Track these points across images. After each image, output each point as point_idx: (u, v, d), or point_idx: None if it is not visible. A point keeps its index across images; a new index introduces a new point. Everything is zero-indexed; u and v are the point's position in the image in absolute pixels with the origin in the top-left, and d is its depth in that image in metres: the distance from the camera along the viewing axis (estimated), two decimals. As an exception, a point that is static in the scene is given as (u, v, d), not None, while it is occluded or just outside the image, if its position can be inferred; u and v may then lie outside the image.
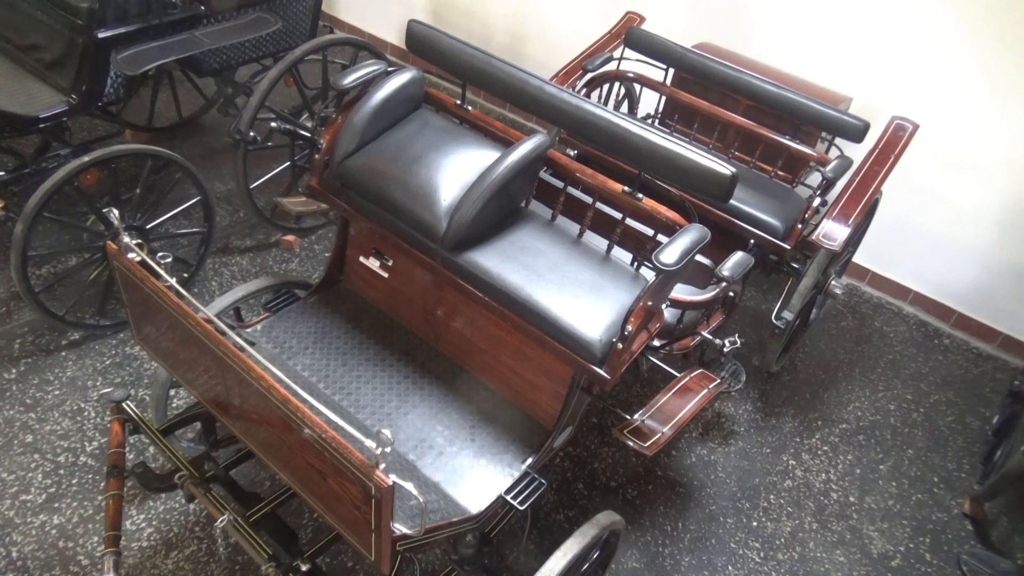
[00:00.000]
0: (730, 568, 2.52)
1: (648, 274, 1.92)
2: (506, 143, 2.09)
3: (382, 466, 1.27)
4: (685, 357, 2.50)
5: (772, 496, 2.78)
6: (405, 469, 1.80)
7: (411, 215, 1.92)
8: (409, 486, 1.28)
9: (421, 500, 1.30)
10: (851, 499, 2.82)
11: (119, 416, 1.98)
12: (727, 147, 3.05)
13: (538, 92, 1.92)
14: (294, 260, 3.42)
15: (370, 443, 1.25)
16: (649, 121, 3.33)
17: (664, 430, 1.91)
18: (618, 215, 2.01)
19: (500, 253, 1.89)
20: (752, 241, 2.69)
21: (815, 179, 3.02)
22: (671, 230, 1.81)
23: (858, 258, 3.82)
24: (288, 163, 3.22)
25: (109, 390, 1.96)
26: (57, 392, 2.69)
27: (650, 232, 1.91)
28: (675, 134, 3.18)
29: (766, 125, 2.91)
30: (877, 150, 2.75)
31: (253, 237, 3.49)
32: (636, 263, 1.95)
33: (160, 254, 1.62)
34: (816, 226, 2.62)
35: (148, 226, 2.82)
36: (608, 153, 1.86)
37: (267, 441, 1.53)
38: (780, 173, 2.99)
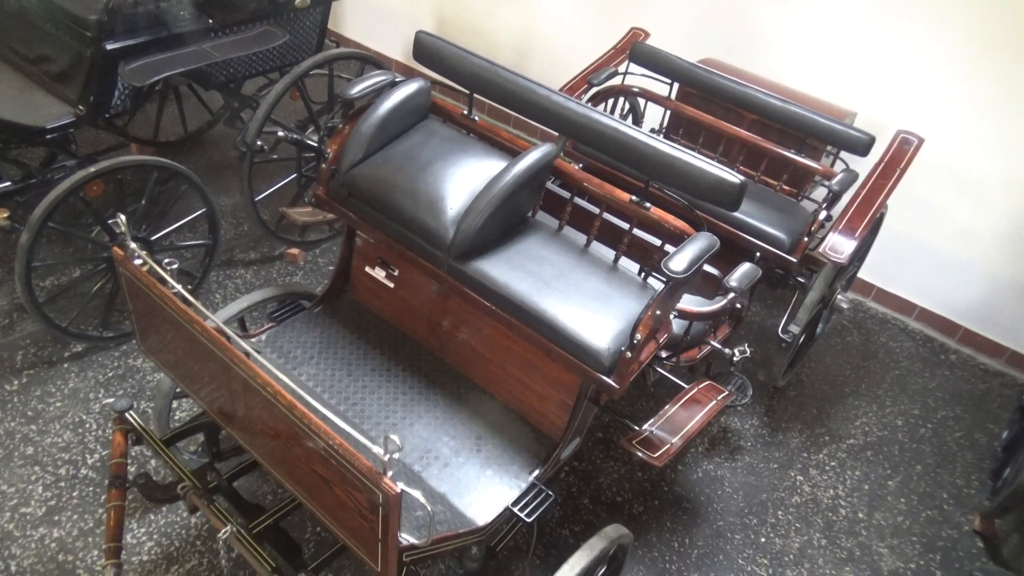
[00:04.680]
0: (738, 585, 2.49)
1: (656, 284, 1.91)
2: (513, 153, 2.08)
3: (390, 473, 1.25)
4: (691, 370, 2.49)
5: (780, 512, 2.75)
6: (411, 480, 1.78)
7: (418, 224, 1.92)
8: (416, 494, 1.26)
9: (429, 509, 1.28)
10: (860, 515, 2.79)
11: (122, 426, 1.97)
12: (732, 161, 3.05)
13: (545, 101, 1.93)
14: (298, 273, 3.41)
15: (378, 449, 1.24)
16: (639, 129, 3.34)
17: (673, 441, 1.89)
18: (625, 225, 2.00)
19: (507, 262, 1.88)
20: (758, 254, 2.69)
21: (820, 193, 3.02)
22: (679, 239, 1.80)
23: (863, 273, 3.81)
24: (294, 174, 3.22)
25: (112, 400, 1.94)
26: (59, 404, 2.67)
27: (657, 242, 1.90)
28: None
29: (771, 140, 2.92)
30: (883, 163, 2.75)
31: (257, 250, 3.48)
32: (644, 273, 1.94)
33: (166, 260, 1.61)
34: (822, 239, 2.61)
35: (153, 238, 2.82)
36: (615, 162, 1.85)
37: (272, 450, 1.51)
38: (785, 187, 2.99)
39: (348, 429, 1.28)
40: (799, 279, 2.97)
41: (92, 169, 2.51)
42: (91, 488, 2.44)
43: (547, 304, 1.78)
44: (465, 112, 2.18)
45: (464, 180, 1.95)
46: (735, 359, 1.85)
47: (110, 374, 2.80)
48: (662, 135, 3.33)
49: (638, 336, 1.65)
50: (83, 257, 3.08)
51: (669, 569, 2.50)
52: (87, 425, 2.61)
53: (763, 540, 2.64)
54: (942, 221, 3.51)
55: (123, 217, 1.61)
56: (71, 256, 3.16)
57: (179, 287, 1.54)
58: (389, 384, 2.01)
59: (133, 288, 1.62)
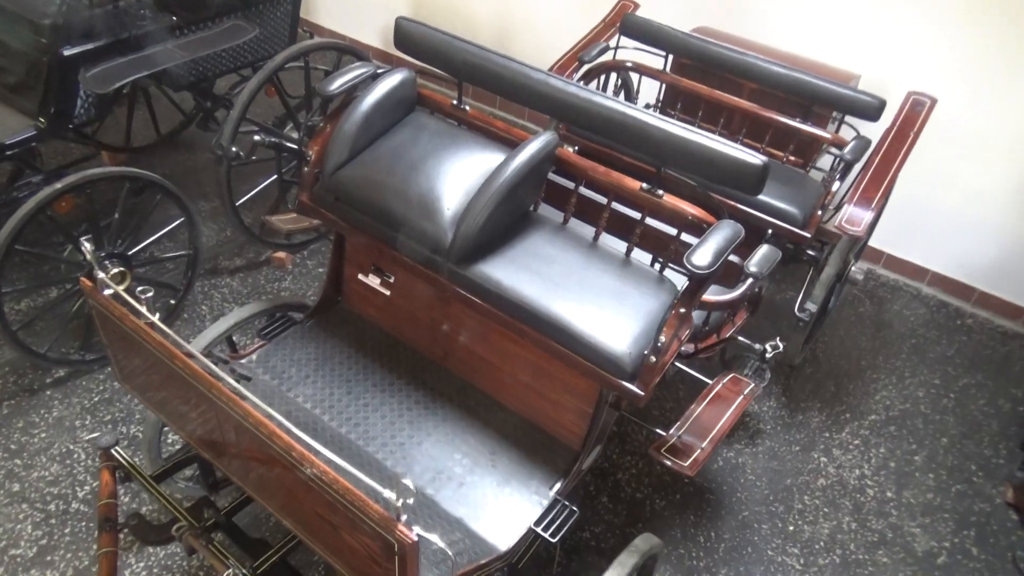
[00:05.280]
0: (769, 578, 2.38)
1: (673, 276, 1.77)
2: (509, 143, 1.94)
3: (404, 518, 1.12)
4: (708, 359, 2.36)
5: (806, 497, 2.64)
6: (424, 505, 1.65)
7: (412, 227, 1.77)
8: (434, 538, 1.14)
9: (451, 554, 1.15)
10: (888, 495, 2.68)
11: (108, 463, 1.83)
12: (734, 134, 2.90)
13: (543, 87, 1.78)
14: (287, 278, 3.26)
15: (389, 494, 1.10)
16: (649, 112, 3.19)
17: (703, 445, 1.76)
18: (635, 214, 1.86)
19: (511, 263, 1.74)
20: (770, 231, 2.55)
21: (826, 162, 2.88)
22: (698, 228, 1.67)
23: (872, 240, 3.68)
24: (275, 176, 3.06)
25: (96, 435, 1.80)
26: (43, 435, 2.52)
27: (672, 231, 1.76)
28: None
29: (773, 109, 2.77)
30: (895, 128, 2.61)
31: (243, 256, 3.33)
32: (660, 265, 1.80)
33: (140, 288, 1.47)
34: (836, 212, 2.48)
35: (131, 252, 2.66)
36: (614, 144, 1.71)
37: (272, 490, 1.38)
38: (792, 158, 2.85)
39: (354, 471, 1.14)
40: (810, 253, 2.84)
41: (58, 186, 2.35)
42: (83, 523, 2.30)
43: (559, 307, 1.64)
44: (455, 102, 2.03)
45: (459, 177, 1.80)
46: (767, 355, 1.73)
47: (96, 399, 2.65)
48: (658, 111, 3.18)
49: (662, 339, 1.52)
50: (58, 278, 2.91)
51: (697, 567, 2.39)
52: (75, 456, 2.47)
53: (791, 528, 2.54)
54: (952, 182, 3.38)
55: (88, 244, 1.46)
56: (45, 277, 2.99)
57: (153, 318, 1.40)
58: (392, 400, 1.88)
59: (106, 321, 1.47)
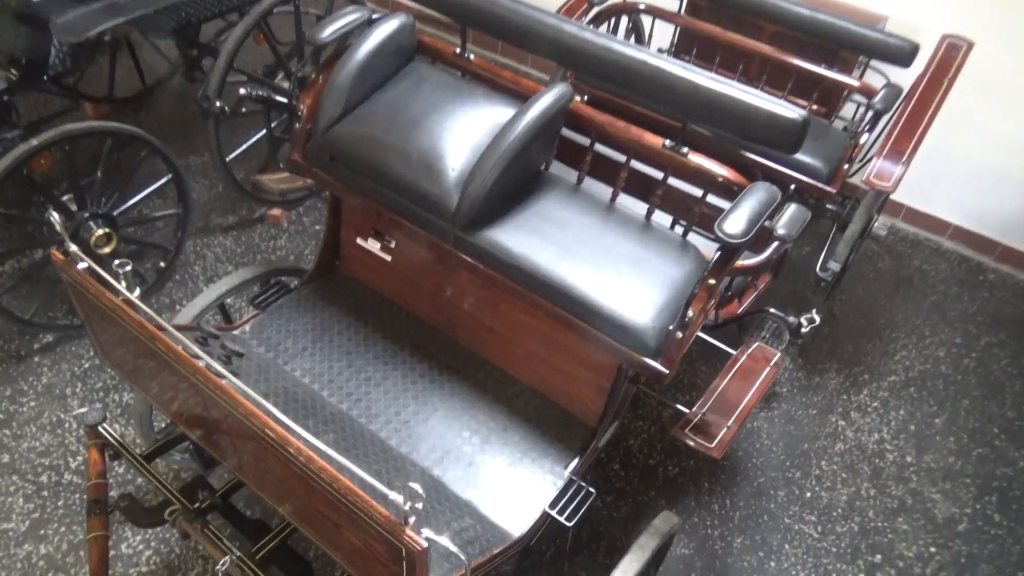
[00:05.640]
0: (786, 547, 2.32)
1: (698, 241, 1.64)
2: (518, 96, 1.78)
3: (412, 520, 1.01)
4: (724, 324, 2.24)
5: (824, 462, 2.56)
6: (432, 488, 1.55)
7: (415, 190, 1.63)
8: (445, 541, 1.03)
9: (464, 558, 1.05)
10: (908, 459, 2.60)
11: (96, 441, 1.73)
12: (753, 81, 2.72)
13: (555, 32, 1.61)
14: (282, 236, 3.12)
15: (396, 496, 1.00)
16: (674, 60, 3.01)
17: (728, 423, 1.66)
18: (655, 173, 1.72)
19: (522, 228, 1.61)
20: (792, 187, 2.40)
21: (848, 113, 2.71)
22: (726, 190, 1.52)
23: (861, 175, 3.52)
24: (264, 131, 2.88)
25: (83, 410, 1.69)
26: (33, 404, 2.43)
27: (697, 191, 1.62)
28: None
29: (794, 53, 2.58)
30: (928, 74, 2.44)
31: (236, 213, 3.18)
32: (683, 229, 1.66)
33: (117, 262, 1.34)
34: (863, 165, 2.33)
35: (116, 212, 2.52)
36: (640, 99, 1.56)
37: (267, 480, 1.27)
38: (815, 108, 2.68)
39: (357, 471, 1.03)
40: (830, 208, 2.69)
41: (34, 143, 2.20)
42: (77, 495, 2.22)
43: (575, 276, 1.52)
44: (458, 50, 1.86)
45: (465, 134, 1.65)
46: (803, 328, 1.60)
47: (86, 365, 2.54)
48: (671, 54, 2.99)
49: (691, 313, 1.39)
50: (41, 241, 2.77)
51: (711, 535, 2.32)
52: (66, 425, 2.37)
53: (808, 495, 2.46)
54: (978, 130, 3.20)
55: (56, 215, 1.32)
56: (28, 239, 2.85)
57: (133, 297, 1.27)
58: (396, 373, 1.77)
59: (81, 297, 1.34)
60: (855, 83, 2.49)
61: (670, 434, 1.59)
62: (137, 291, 1.37)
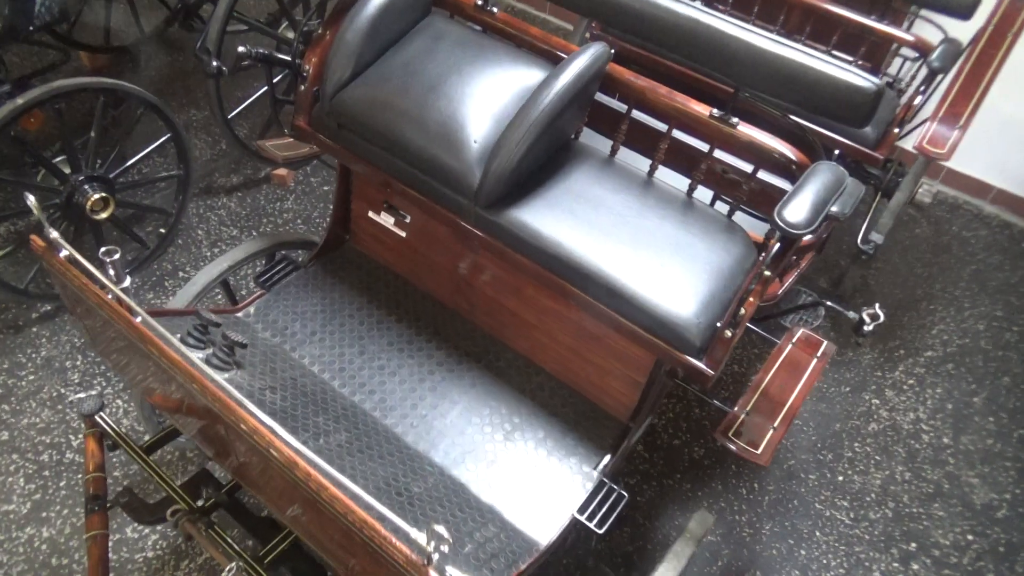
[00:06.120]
0: (817, 534, 2.22)
1: (748, 221, 1.48)
2: (547, 56, 1.60)
3: (436, 558, 0.89)
4: (765, 312, 2.09)
5: (856, 444, 2.44)
6: (452, 492, 1.43)
7: (433, 163, 1.47)
8: None
9: None
10: (945, 440, 2.48)
11: (94, 430, 1.62)
12: (794, 33, 2.51)
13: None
14: (289, 197, 2.97)
15: (418, 534, 0.87)
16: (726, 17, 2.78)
17: (775, 424, 1.52)
18: (698, 143, 1.55)
19: (552, 207, 1.45)
20: (837, 151, 2.22)
21: (894, 68, 2.51)
22: (782, 168, 1.36)
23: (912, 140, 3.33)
24: (266, 88, 2.69)
25: (80, 396, 1.57)
26: (32, 378, 2.32)
27: (747, 166, 1.45)
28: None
29: (839, 3, 2.37)
30: (990, 28, 2.23)
31: (240, 173, 3.02)
32: (730, 208, 1.50)
33: (104, 250, 1.19)
34: (912, 128, 2.14)
35: (112, 174, 2.36)
36: (695, 64, 1.38)
37: (275, 496, 1.16)
38: (862, 63, 2.47)
39: (376, 505, 0.91)
40: (872, 172, 2.51)
41: (20, 101, 2.04)
42: (79, 475, 2.13)
43: (611, 264, 1.37)
44: (479, 2, 1.67)
45: (488, 100, 1.48)
46: (867, 327, 1.44)
47: (85, 337, 2.43)
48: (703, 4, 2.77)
49: (742, 311, 1.25)
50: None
51: (739, 521, 2.22)
52: (67, 400, 2.27)
53: (840, 479, 2.35)
54: (1029, 86, 2.98)
55: (32, 198, 1.18)
56: (20, 204, 2.70)
57: (119, 291, 1.13)
58: (412, 361, 1.64)
59: (65, 288, 1.21)
60: (909, 37, 2.28)
61: (714, 438, 1.46)
62: (127, 281, 1.24)
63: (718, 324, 1.30)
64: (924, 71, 2.24)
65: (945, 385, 2.64)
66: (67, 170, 2.27)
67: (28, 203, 1.17)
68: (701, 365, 1.31)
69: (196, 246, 2.74)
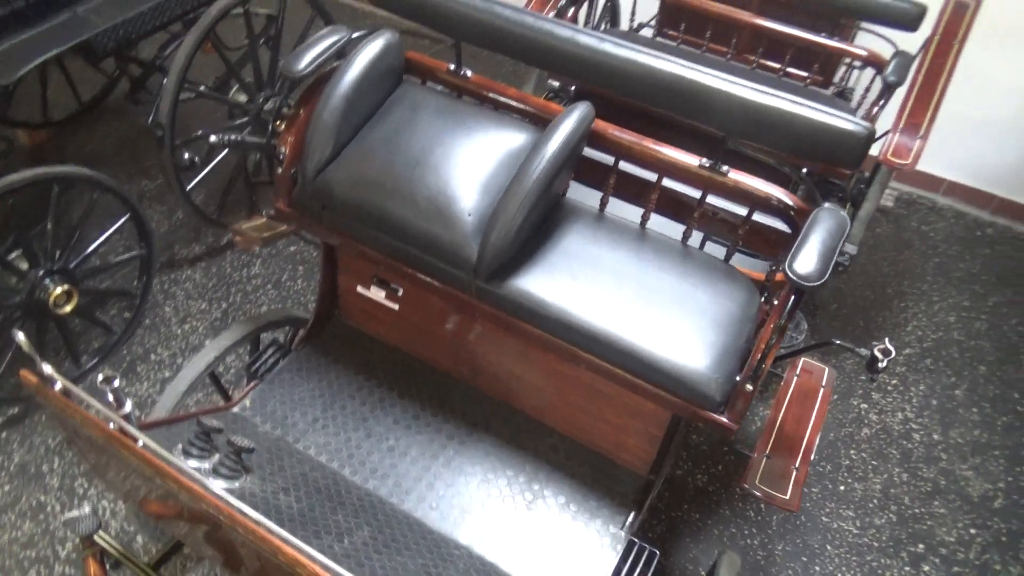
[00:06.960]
0: (828, 547, 2.24)
1: (744, 262, 1.48)
2: (526, 116, 1.59)
3: None
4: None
5: (852, 451, 2.48)
6: (477, 572, 1.39)
7: (427, 239, 1.44)
8: None
9: None
10: (935, 437, 2.54)
11: (93, 549, 1.53)
12: (744, 53, 2.56)
13: (569, 46, 1.41)
14: (255, 262, 2.89)
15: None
16: (640, 32, 2.81)
17: (796, 464, 1.53)
18: (687, 189, 1.55)
19: (551, 271, 1.44)
20: (805, 170, 2.26)
21: (854, 84, 2.58)
22: (779, 212, 1.37)
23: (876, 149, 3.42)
24: (223, 155, 2.62)
25: (74, 515, 1.48)
26: (7, 488, 2.20)
27: (740, 209, 1.46)
28: (682, 46, 2.67)
29: (785, 21, 2.42)
30: (936, 37, 2.30)
31: (201, 241, 2.93)
32: (726, 251, 1.50)
33: (102, 378, 1.13)
34: (877, 139, 2.19)
35: (72, 265, 2.26)
36: (680, 115, 1.38)
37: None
38: (816, 78, 2.53)
39: None
40: (835, 183, 2.56)
41: (-33, 202, 1.93)
42: (73, 587, 2.02)
43: (619, 325, 1.36)
44: (451, 67, 1.65)
45: (475, 170, 1.46)
46: (880, 364, 1.45)
47: (59, 436, 2.31)
48: (654, 34, 2.80)
49: (764, 365, 1.24)
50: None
51: (751, 544, 2.23)
52: (48, 508, 2.16)
53: (842, 488, 2.38)
54: (971, 80, 3.08)
55: (22, 336, 1.11)
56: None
57: (123, 422, 1.07)
58: (421, 437, 1.60)
59: (64, 422, 1.14)
60: (863, 52, 2.34)
61: (742, 487, 1.46)
62: (128, 406, 1.17)
63: (737, 378, 1.30)
64: (879, 83, 2.29)
65: (927, 381, 2.70)
66: (24, 265, 2.17)
67: (18, 340, 1.10)
68: (724, 420, 1.31)
69: (165, 325, 2.64)
